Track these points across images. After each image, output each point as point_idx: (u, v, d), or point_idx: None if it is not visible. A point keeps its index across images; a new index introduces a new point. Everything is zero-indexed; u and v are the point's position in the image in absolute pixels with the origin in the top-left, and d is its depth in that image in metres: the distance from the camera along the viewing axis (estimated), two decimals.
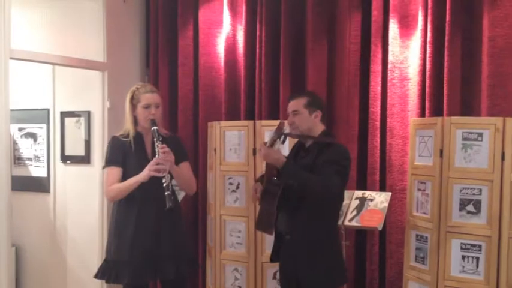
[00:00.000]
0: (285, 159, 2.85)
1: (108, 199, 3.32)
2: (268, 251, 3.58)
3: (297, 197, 2.86)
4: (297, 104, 2.96)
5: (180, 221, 3.31)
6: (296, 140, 3.12)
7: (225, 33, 4.31)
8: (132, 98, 3.19)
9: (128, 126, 3.21)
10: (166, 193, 2.95)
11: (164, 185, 2.97)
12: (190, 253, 3.39)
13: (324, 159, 2.81)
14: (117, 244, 3.18)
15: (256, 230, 3.49)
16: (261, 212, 3.07)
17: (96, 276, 3.29)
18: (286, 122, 3.00)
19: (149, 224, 3.14)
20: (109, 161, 3.20)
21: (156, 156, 3.04)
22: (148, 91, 3.19)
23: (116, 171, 3.16)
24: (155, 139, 3.07)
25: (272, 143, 2.90)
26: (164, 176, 2.98)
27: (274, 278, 3.70)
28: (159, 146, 3.04)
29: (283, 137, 2.94)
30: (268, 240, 3.59)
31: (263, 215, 3.05)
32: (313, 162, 2.85)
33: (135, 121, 3.20)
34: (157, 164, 3.00)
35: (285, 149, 3.58)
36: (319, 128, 2.98)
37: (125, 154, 3.17)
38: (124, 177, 3.16)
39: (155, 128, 3.10)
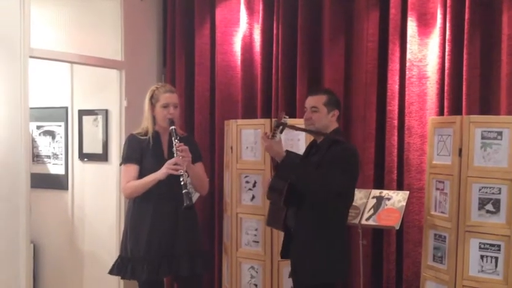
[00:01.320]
0: (285, 153, 2.84)
1: (125, 196, 3.35)
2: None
3: (299, 194, 2.86)
4: (317, 101, 2.95)
5: (196, 219, 3.33)
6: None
7: (241, 31, 4.32)
8: (152, 97, 3.22)
9: (146, 124, 3.24)
10: (183, 191, 2.96)
11: (182, 183, 2.98)
12: (204, 250, 3.40)
13: (331, 156, 2.81)
14: (133, 241, 3.20)
15: (267, 226, 3.48)
16: (270, 207, 3.09)
17: (111, 272, 3.31)
18: (284, 112, 2.95)
19: (165, 221, 3.16)
20: (126, 159, 3.23)
21: (174, 155, 3.06)
22: (167, 91, 3.23)
23: (132, 169, 3.19)
24: (173, 138, 3.09)
25: (274, 134, 2.87)
26: (182, 175, 3.00)
27: (289, 276, 3.68)
28: (177, 145, 3.06)
29: (281, 127, 2.88)
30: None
31: (272, 211, 3.07)
32: (321, 159, 2.85)
33: (153, 120, 3.23)
34: (175, 163, 3.02)
35: (301, 145, 3.60)
36: (333, 125, 2.98)
37: (142, 152, 3.20)
38: (140, 175, 3.19)
39: (173, 127, 3.12)
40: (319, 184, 2.77)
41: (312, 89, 3.07)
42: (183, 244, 3.18)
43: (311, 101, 2.98)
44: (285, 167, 2.86)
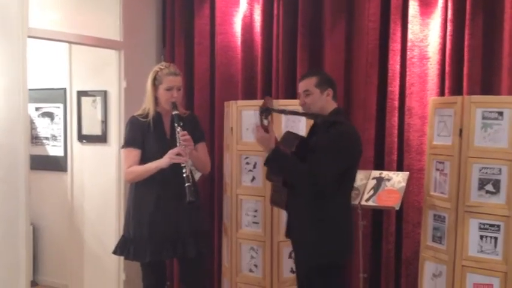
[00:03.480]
0: (274, 146, 2.82)
1: (127, 181, 3.32)
2: (284, 230, 3.60)
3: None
4: (307, 84, 2.91)
5: (199, 201, 3.32)
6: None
7: (241, 12, 4.28)
8: (155, 79, 3.17)
9: (147, 105, 3.20)
10: (186, 185, 2.95)
11: (184, 175, 2.96)
12: (208, 232, 3.41)
13: (325, 141, 2.78)
14: (135, 222, 3.20)
15: (271, 205, 3.48)
16: (273, 187, 3.09)
17: (115, 252, 3.32)
18: (270, 98, 2.92)
19: (168, 203, 3.15)
20: (128, 142, 3.20)
21: (177, 143, 3.03)
22: (171, 73, 3.16)
23: (134, 153, 3.17)
24: (176, 124, 3.06)
25: (261, 121, 2.83)
26: (184, 166, 2.98)
27: (290, 257, 3.71)
28: (180, 133, 3.04)
29: (265, 113, 2.83)
30: (285, 220, 3.59)
31: (275, 190, 3.08)
32: (316, 143, 2.83)
33: (155, 101, 3.20)
34: (178, 153, 3.00)
35: (302, 126, 3.58)
36: (330, 106, 2.92)
37: (143, 135, 3.18)
38: (143, 157, 3.17)
39: (176, 112, 3.08)
40: (303, 179, 2.76)
41: (302, 75, 3.02)
42: (187, 225, 3.18)
43: (302, 85, 2.93)
44: (270, 162, 2.85)
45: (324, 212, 2.84)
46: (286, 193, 2.97)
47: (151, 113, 3.19)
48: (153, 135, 3.18)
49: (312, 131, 3.06)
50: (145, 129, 3.18)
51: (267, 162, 2.87)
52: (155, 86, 3.17)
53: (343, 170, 2.81)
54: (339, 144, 2.77)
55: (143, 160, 3.18)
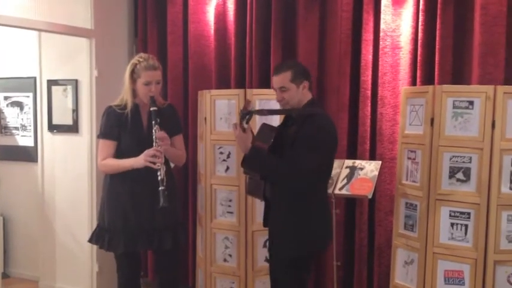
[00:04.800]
0: (250, 146, 2.81)
1: (101, 172, 3.31)
2: (258, 220, 3.61)
3: None
4: (282, 80, 2.87)
5: (175, 190, 3.31)
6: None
7: (215, 0, 4.24)
8: (133, 72, 3.11)
9: (125, 97, 3.15)
10: (160, 189, 2.93)
11: (159, 178, 2.94)
12: (183, 223, 3.40)
13: (302, 135, 2.77)
14: (110, 213, 3.18)
15: (247, 195, 3.48)
16: (249, 179, 3.09)
17: (91, 241, 3.29)
18: (251, 101, 2.90)
19: (144, 194, 3.13)
20: (104, 134, 3.17)
21: (154, 142, 3.00)
22: (150, 67, 3.10)
23: (110, 145, 3.14)
24: (153, 122, 3.02)
25: (241, 122, 2.81)
26: (159, 169, 2.95)
27: (264, 246, 3.72)
28: (157, 133, 3.00)
29: (247, 116, 2.81)
30: (259, 209, 3.60)
31: (252, 182, 3.07)
32: (295, 134, 2.82)
33: (133, 93, 3.15)
34: (153, 155, 2.97)
35: (276, 116, 3.58)
36: (306, 97, 2.92)
37: (120, 126, 3.14)
38: (118, 149, 3.14)
39: (154, 108, 3.04)
40: (284, 177, 2.77)
41: (275, 68, 2.98)
42: (163, 217, 3.16)
43: (277, 80, 2.90)
44: (248, 162, 2.85)
45: (302, 204, 2.85)
46: (263, 183, 2.96)
47: (129, 104, 3.14)
48: (130, 128, 3.14)
49: (286, 120, 3.06)
50: (123, 120, 3.14)
51: (244, 162, 2.86)
52: (133, 78, 3.12)
53: (322, 164, 2.83)
54: (317, 138, 2.77)
55: (118, 151, 3.15)
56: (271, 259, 3.10)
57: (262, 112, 3.00)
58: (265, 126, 3.06)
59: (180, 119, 3.39)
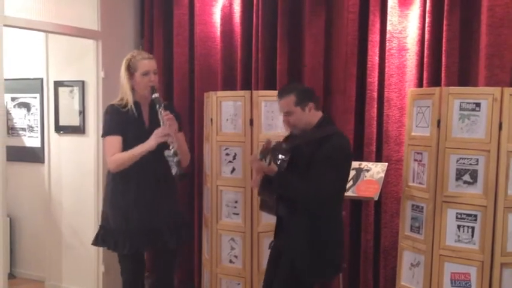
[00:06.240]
0: (276, 169, 2.81)
1: (112, 169, 3.19)
2: (264, 221, 3.61)
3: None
4: (287, 104, 2.85)
5: (175, 190, 3.32)
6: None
7: (221, 2, 4.26)
8: (129, 67, 3.13)
9: (124, 96, 3.16)
10: (175, 160, 2.93)
11: (172, 151, 2.95)
12: (188, 222, 3.40)
13: (320, 155, 2.74)
14: (114, 213, 3.18)
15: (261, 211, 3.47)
16: (263, 198, 3.07)
17: (95, 243, 3.29)
18: (270, 141, 2.90)
19: (147, 194, 3.13)
20: (109, 130, 3.14)
21: (161, 123, 3.00)
22: (145, 58, 3.14)
23: (116, 140, 3.11)
24: (157, 106, 3.02)
25: (262, 160, 2.81)
26: (172, 142, 2.95)
27: (270, 247, 3.72)
28: (163, 113, 3.00)
29: (268, 156, 2.81)
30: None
31: (265, 202, 3.05)
32: (311, 155, 2.79)
33: (132, 91, 3.16)
34: (165, 134, 2.97)
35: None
36: (315, 117, 2.88)
37: (123, 124, 3.13)
38: (122, 147, 3.13)
39: (156, 94, 3.05)
40: (310, 197, 2.74)
41: (279, 92, 2.94)
42: (166, 216, 3.17)
43: (282, 105, 2.87)
44: (277, 184, 2.83)
45: (322, 226, 2.82)
46: (274, 199, 2.94)
47: (130, 102, 3.14)
48: (133, 125, 3.14)
49: (293, 139, 2.99)
50: (125, 118, 3.13)
51: (275, 183, 2.83)
52: (130, 73, 3.13)
53: (339, 187, 2.84)
54: (337, 160, 2.75)
55: (122, 149, 3.14)
56: (276, 272, 3.03)
57: (283, 149, 2.91)
58: (280, 145, 3.01)
59: (180, 116, 3.37)
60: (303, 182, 2.76)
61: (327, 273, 2.94)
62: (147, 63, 3.10)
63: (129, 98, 3.14)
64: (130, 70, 3.12)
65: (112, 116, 3.16)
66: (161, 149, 3.05)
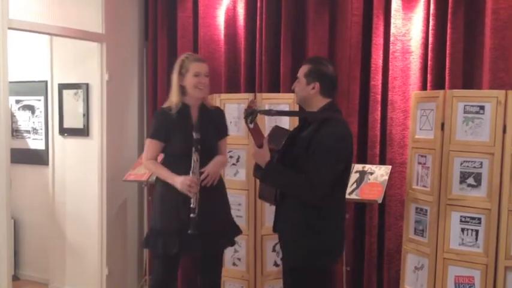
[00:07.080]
0: (269, 159, 2.72)
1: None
2: (268, 224, 3.61)
3: None
4: (301, 70, 2.77)
5: (224, 188, 3.30)
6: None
7: (225, 4, 4.26)
8: (181, 67, 3.12)
9: (174, 98, 3.13)
10: (191, 215, 2.95)
11: (192, 205, 2.96)
12: (234, 223, 3.36)
13: (317, 141, 2.61)
14: (163, 215, 3.14)
15: (259, 199, 3.45)
16: (262, 185, 3.05)
17: (146, 246, 3.28)
18: (256, 100, 2.86)
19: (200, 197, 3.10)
20: (152, 134, 3.17)
21: (190, 173, 3.00)
22: (198, 59, 3.16)
23: (156, 146, 3.14)
24: (193, 148, 3.02)
25: (246, 124, 2.74)
26: (193, 197, 2.97)
27: (273, 250, 3.73)
28: (201, 177, 3.03)
29: (251, 116, 2.70)
30: (268, 214, 3.61)
31: (264, 188, 3.03)
32: (309, 138, 2.67)
33: (182, 92, 3.16)
34: (190, 185, 2.98)
35: (286, 119, 3.58)
36: (318, 101, 2.72)
37: (170, 128, 3.12)
38: (168, 148, 3.14)
39: (198, 137, 3.02)
40: (302, 191, 2.64)
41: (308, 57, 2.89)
42: (216, 219, 3.15)
43: (300, 69, 2.79)
44: (267, 177, 2.78)
45: (316, 214, 2.70)
46: (275, 190, 2.86)
47: (178, 105, 3.14)
48: (179, 129, 3.12)
49: (303, 125, 2.89)
50: (172, 122, 3.11)
51: (262, 178, 2.80)
52: (182, 74, 3.11)
53: (339, 174, 2.70)
54: (333, 148, 2.60)
55: (169, 151, 3.16)
56: (282, 265, 3.01)
57: (270, 112, 2.86)
58: (277, 129, 2.99)
59: (226, 121, 3.37)
60: (296, 175, 2.66)
61: (321, 261, 2.75)
62: (198, 65, 3.12)
63: (178, 100, 3.13)
64: (182, 71, 3.12)
65: (158, 120, 3.18)
66: (208, 155, 3.09)
